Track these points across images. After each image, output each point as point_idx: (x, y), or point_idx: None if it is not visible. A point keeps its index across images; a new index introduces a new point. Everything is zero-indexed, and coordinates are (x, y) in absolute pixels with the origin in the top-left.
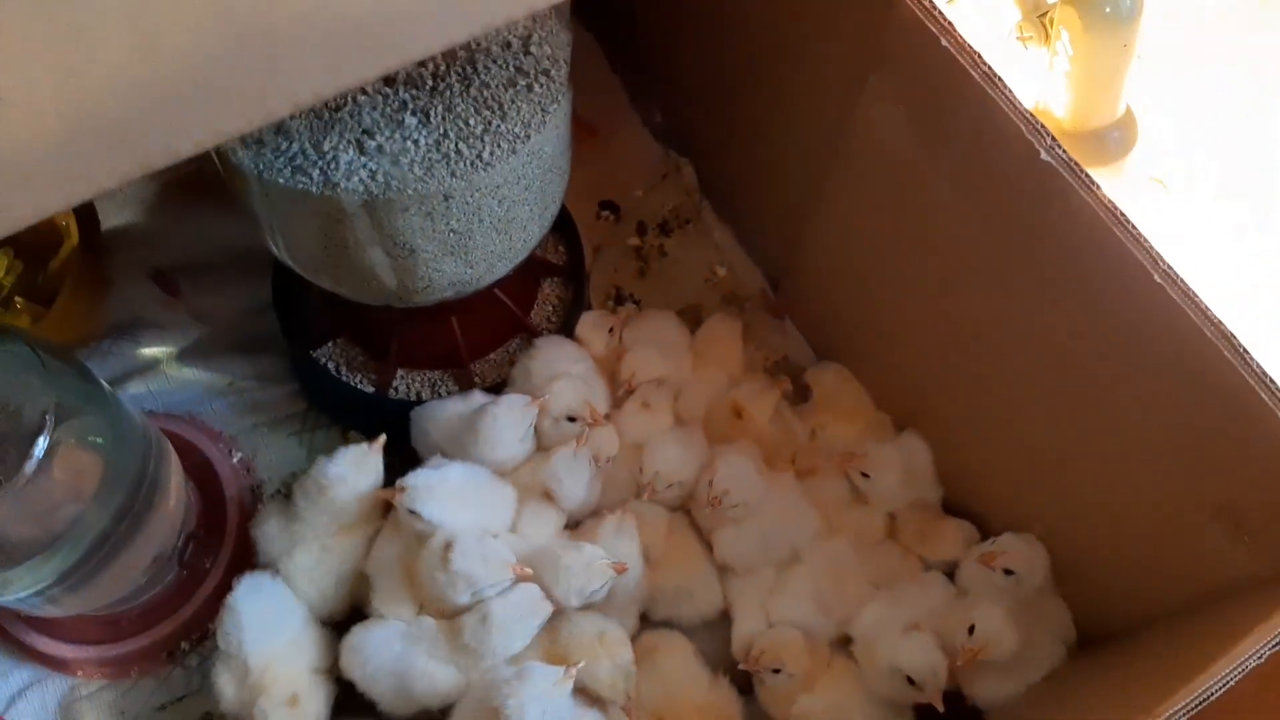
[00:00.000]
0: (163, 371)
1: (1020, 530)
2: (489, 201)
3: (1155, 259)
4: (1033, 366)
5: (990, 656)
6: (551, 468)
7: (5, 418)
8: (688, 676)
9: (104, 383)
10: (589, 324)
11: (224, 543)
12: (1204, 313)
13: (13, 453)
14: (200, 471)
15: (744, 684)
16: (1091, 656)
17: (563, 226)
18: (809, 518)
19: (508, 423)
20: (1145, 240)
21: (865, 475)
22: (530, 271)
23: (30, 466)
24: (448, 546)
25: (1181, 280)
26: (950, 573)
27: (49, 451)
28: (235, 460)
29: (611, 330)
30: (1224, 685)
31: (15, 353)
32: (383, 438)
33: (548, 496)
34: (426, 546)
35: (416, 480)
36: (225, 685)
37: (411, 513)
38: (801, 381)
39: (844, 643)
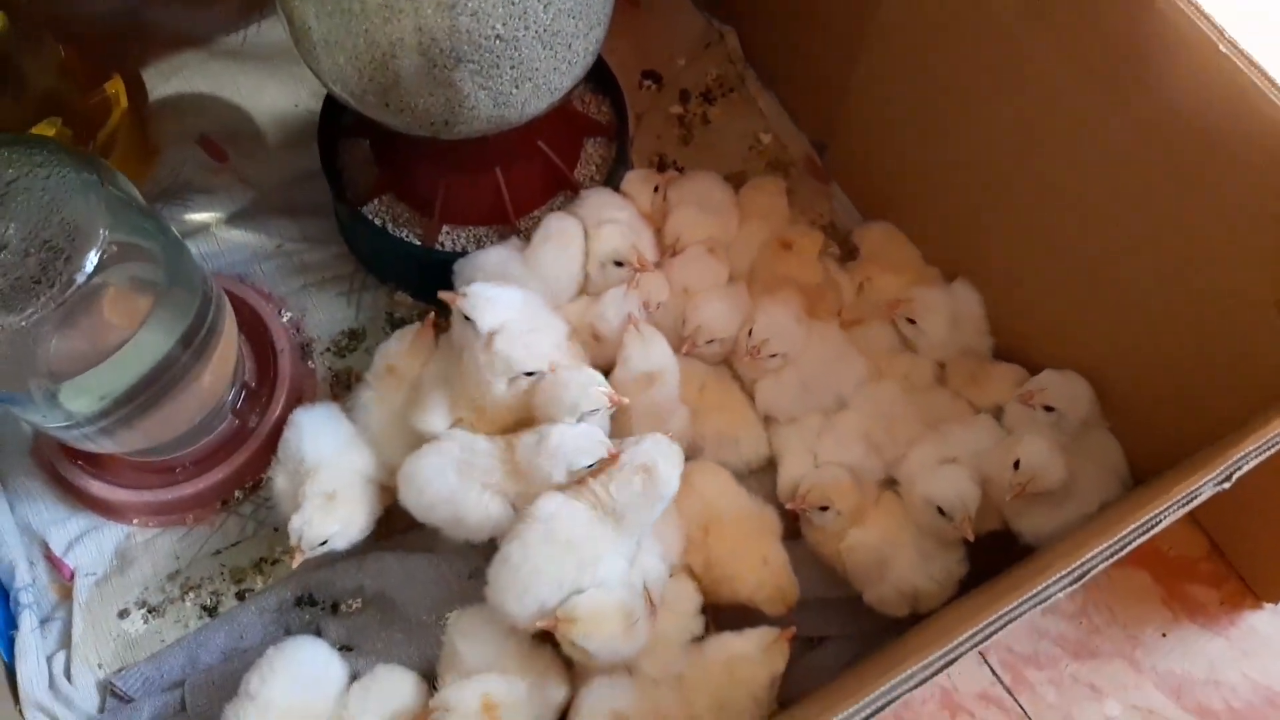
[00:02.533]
0: (213, 235)
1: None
2: (534, 4)
3: (1220, 32)
4: (1089, 186)
5: (1039, 488)
6: (600, 308)
7: (62, 230)
8: (726, 493)
9: (162, 218)
10: (635, 179)
11: (274, 396)
12: (1273, 84)
13: (66, 264)
14: (252, 328)
15: (790, 531)
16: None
17: (606, 86)
18: (855, 364)
19: (559, 234)
20: (1209, 14)
21: (912, 321)
22: (574, 128)
23: (80, 278)
24: (493, 332)
25: (1247, 54)
26: (1001, 418)
27: (102, 267)
28: (285, 319)
29: (657, 188)
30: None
31: (80, 175)
32: (431, 315)
33: (595, 339)
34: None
35: (478, 289)
36: (281, 481)
37: (467, 319)
38: (849, 244)
39: (894, 483)
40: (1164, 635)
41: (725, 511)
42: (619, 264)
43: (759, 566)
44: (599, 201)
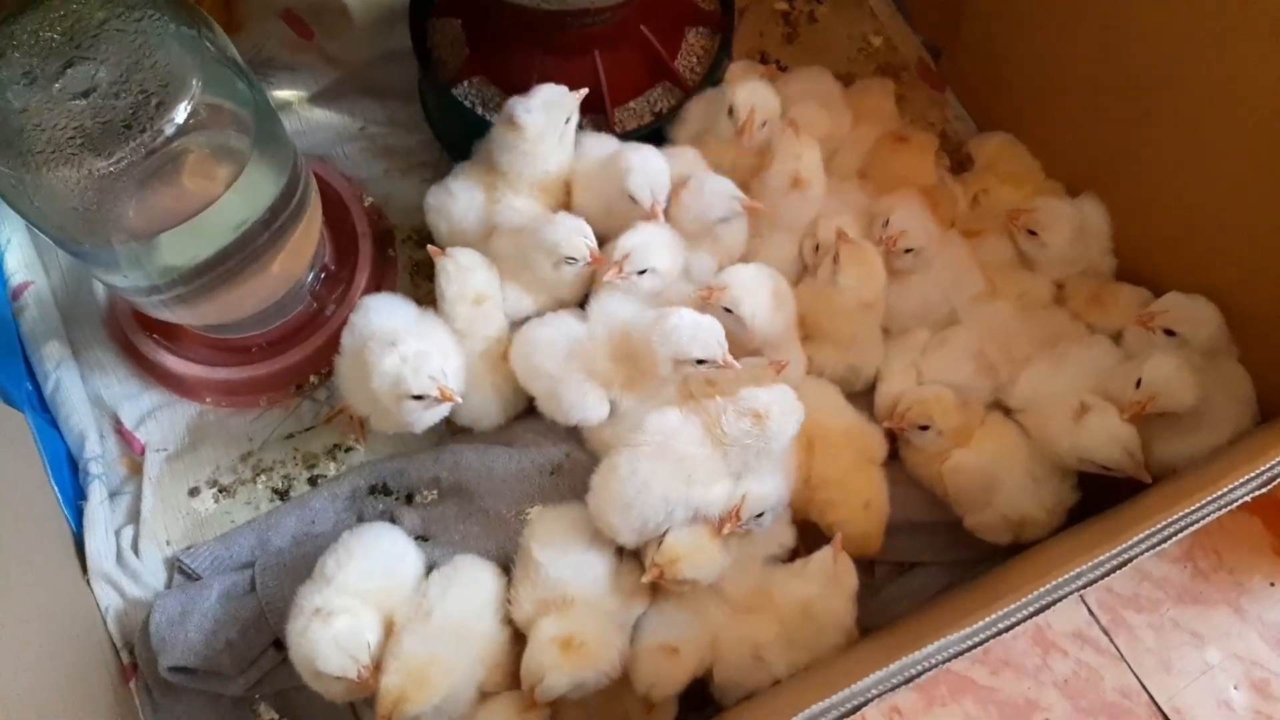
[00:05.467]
0: (295, 112)
1: None
2: None
3: None
4: (1229, 99)
5: (1163, 407)
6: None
7: (155, 76)
8: (833, 406)
9: (261, 87)
10: (739, 69)
11: (354, 281)
12: None
13: (157, 111)
14: (333, 211)
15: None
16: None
17: None
18: (972, 277)
19: None
20: None
21: (1033, 234)
22: (677, 15)
23: (170, 128)
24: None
25: None
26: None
27: (194, 124)
28: (367, 204)
29: (762, 78)
30: None
31: (177, 24)
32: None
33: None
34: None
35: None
36: (345, 365)
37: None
38: (962, 155)
39: (1003, 407)
40: (1272, 585)
41: (832, 429)
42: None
43: (859, 509)
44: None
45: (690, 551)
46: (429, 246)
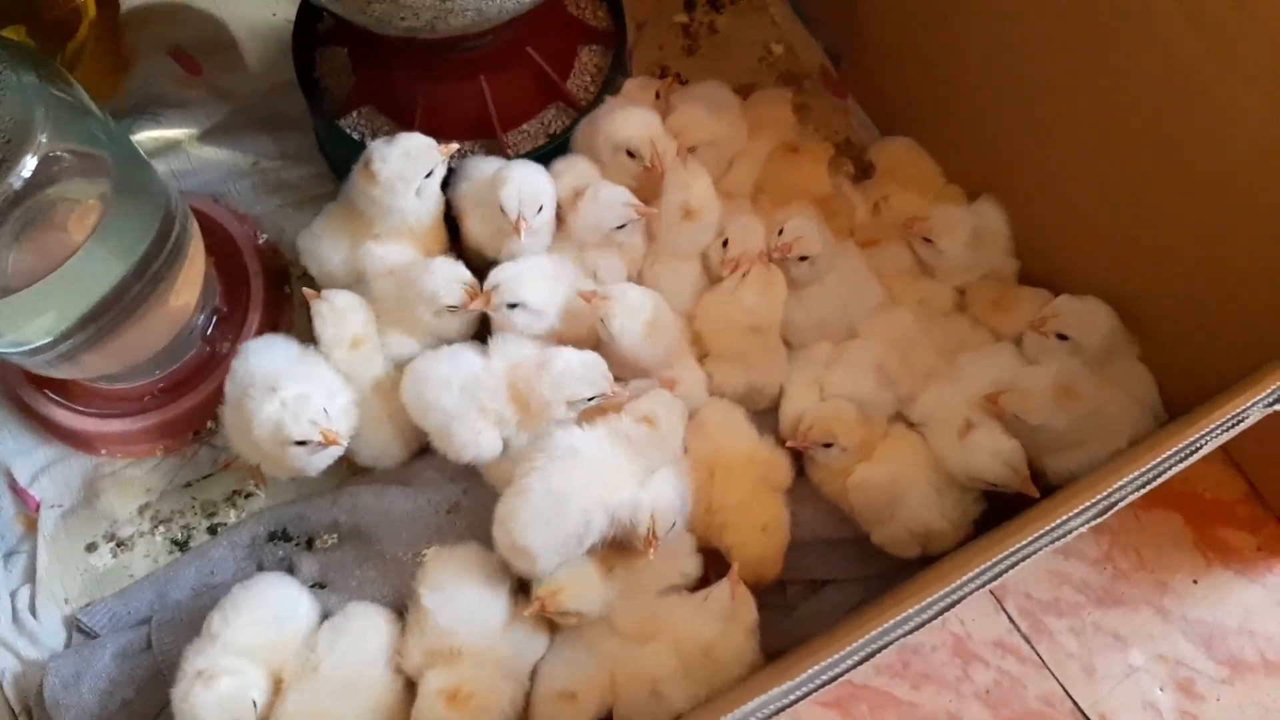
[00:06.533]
0: (185, 151)
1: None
2: None
3: None
4: (1124, 98)
5: (1019, 413)
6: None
7: None
8: (736, 431)
9: (115, 126)
10: (634, 85)
11: (247, 321)
12: None
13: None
14: (223, 251)
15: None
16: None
17: None
18: (870, 289)
19: None
20: None
21: (929, 241)
22: (567, 34)
23: (16, 183)
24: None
25: None
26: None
27: (47, 176)
28: (261, 241)
29: (658, 95)
30: None
31: (17, 74)
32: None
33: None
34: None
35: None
36: (230, 414)
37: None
38: (866, 162)
39: (905, 417)
40: (1195, 582)
41: (733, 456)
42: (631, 154)
43: (756, 532)
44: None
45: (572, 582)
46: (304, 290)
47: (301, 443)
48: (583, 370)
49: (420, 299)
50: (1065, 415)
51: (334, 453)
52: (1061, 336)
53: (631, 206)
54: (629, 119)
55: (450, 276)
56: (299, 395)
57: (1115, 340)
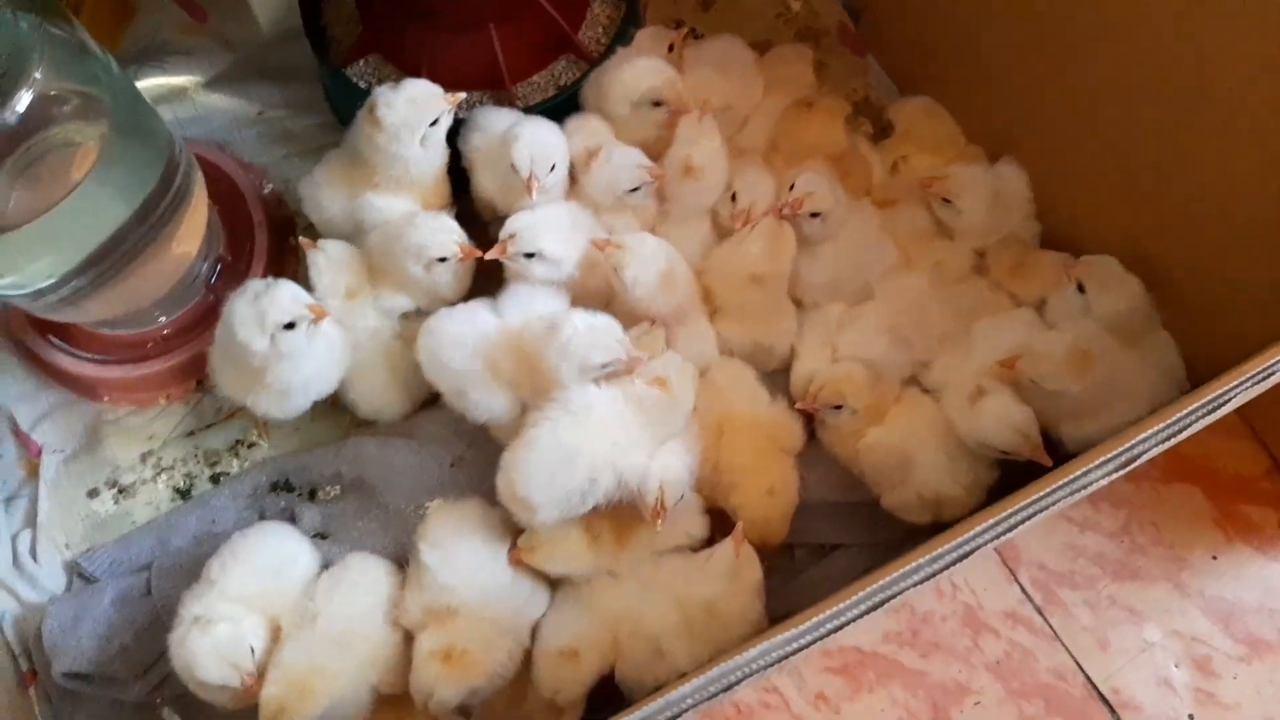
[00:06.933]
0: (190, 99)
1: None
2: None
3: None
4: (1155, 57)
5: (1035, 377)
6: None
7: None
8: (746, 391)
9: (116, 68)
10: (646, 36)
11: (250, 271)
12: None
13: None
14: (227, 200)
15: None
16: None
17: None
18: (884, 249)
19: None
20: None
21: (948, 202)
22: None
23: (10, 118)
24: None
25: None
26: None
27: (43, 116)
28: (266, 191)
29: (671, 47)
30: None
31: (13, 10)
32: None
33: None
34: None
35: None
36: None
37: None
38: (884, 122)
39: (919, 383)
40: (1214, 558)
41: (742, 417)
42: (657, 104)
43: (761, 494)
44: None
45: (551, 542)
46: (300, 239)
47: (290, 325)
48: (593, 336)
49: (407, 252)
50: (1082, 380)
51: (329, 330)
52: (1080, 289)
53: (645, 169)
54: (647, 67)
55: (437, 229)
56: (271, 287)
57: (1139, 307)
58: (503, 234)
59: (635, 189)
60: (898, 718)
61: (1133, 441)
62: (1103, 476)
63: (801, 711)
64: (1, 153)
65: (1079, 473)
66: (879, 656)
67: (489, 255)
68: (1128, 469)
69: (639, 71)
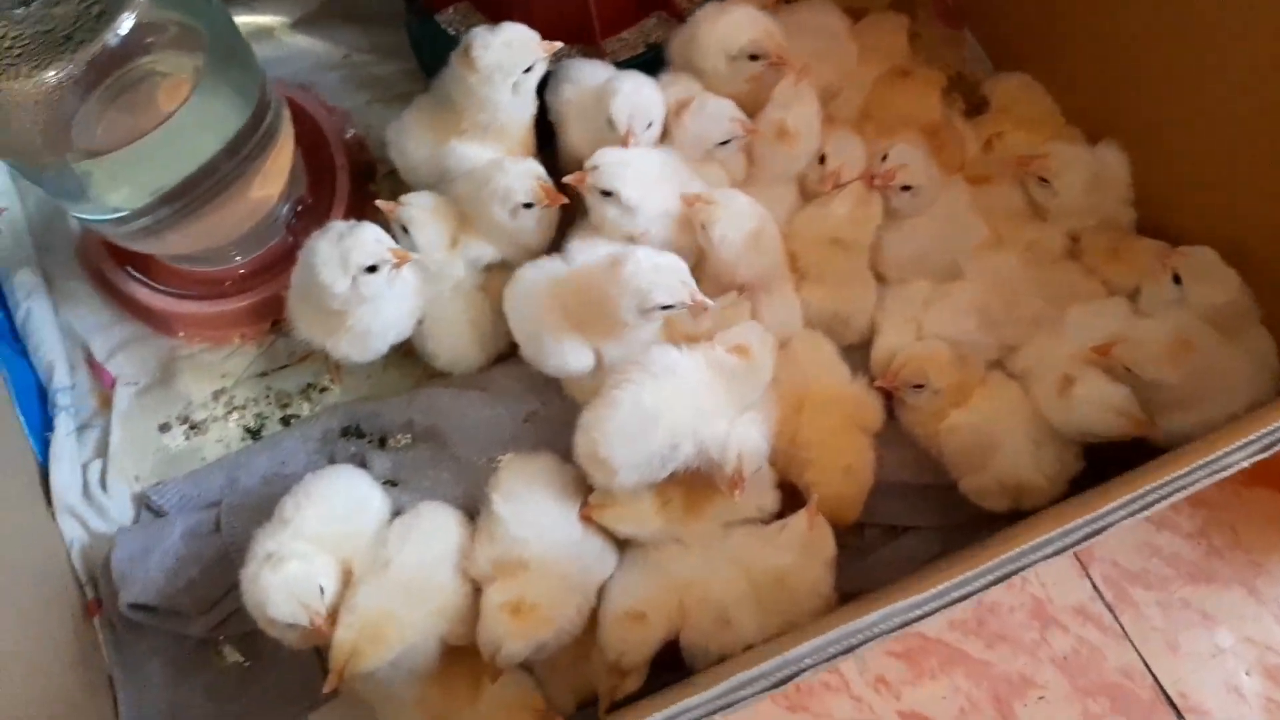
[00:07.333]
0: (277, 39)
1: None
2: None
3: None
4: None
5: (1132, 365)
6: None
7: None
8: (828, 366)
9: (217, 2)
10: None
11: (330, 215)
12: None
13: (98, 22)
14: (311, 141)
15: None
16: None
17: None
18: (974, 227)
19: None
20: None
21: (1045, 181)
22: None
23: (113, 39)
24: None
25: None
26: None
27: (143, 43)
28: (348, 136)
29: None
30: None
31: None
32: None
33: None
34: None
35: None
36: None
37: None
38: (977, 98)
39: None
40: None
41: (823, 392)
42: (754, 57)
43: (838, 472)
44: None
45: (624, 503)
46: (379, 203)
47: (372, 268)
48: (655, 274)
49: (494, 197)
50: (1180, 371)
51: (408, 276)
52: (1176, 279)
53: (738, 122)
54: (747, 17)
55: (523, 172)
56: (354, 229)
57: (1237, 301)
58: (588, 163)
59: (726, 142)
60: (959, 707)
61: (1222, 451)
62: (1199, 479)
63: (861, 693)
64: (98, 76)
65: (1172, 476)
66: (943, 644)
67: (567, 179)
68: (1215, 477)
69: (739, 21)
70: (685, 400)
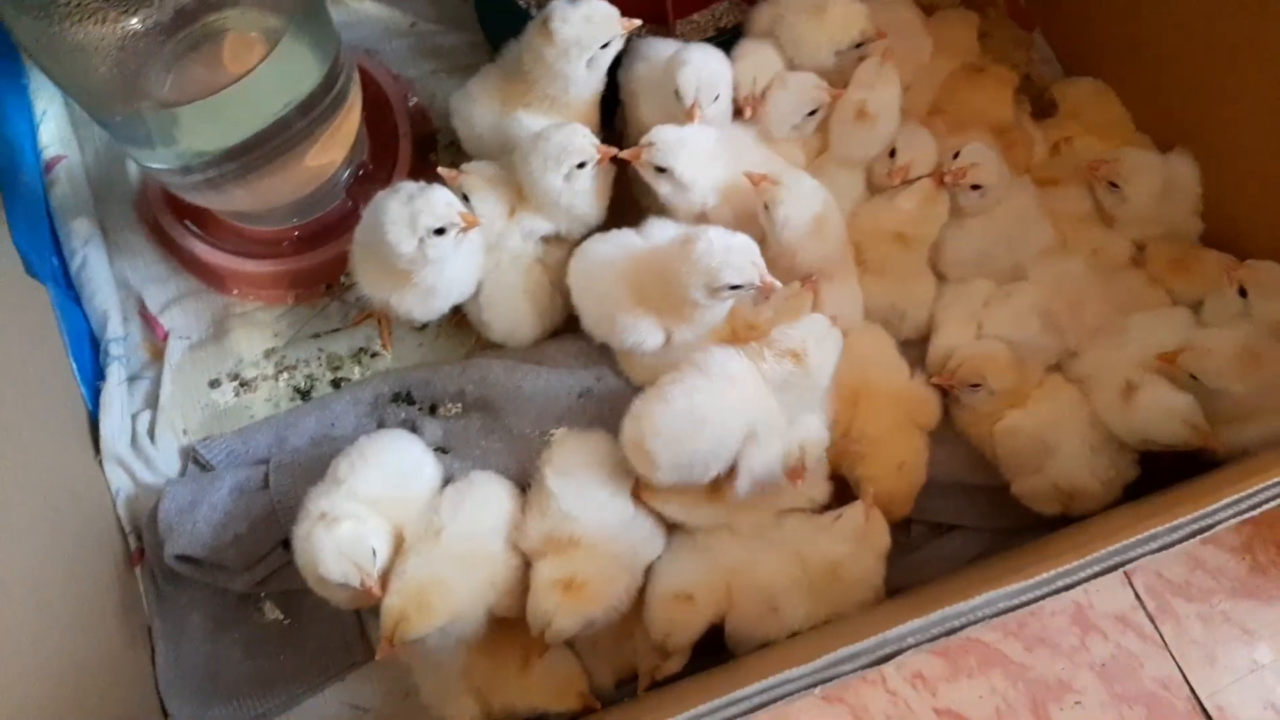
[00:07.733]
0: (345, 4)
1: None
2: None
3: None
4: None
5: (1198, 373)
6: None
7: None
8: (886, 361)
9: None
10: None
11: (391, 181)
12: None
13: None
14: (375, 108)
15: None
16: None
17: None
18: (1040, 229)
19: None
20: None
21: (1115, 186)
22: None
23: None
24: None
25: None
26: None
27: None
28: (411, 104)
29: None
30: None
31: None
32: None
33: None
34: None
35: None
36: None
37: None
38: (1045, 101)
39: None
40: None
41: (880, 387)
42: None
43: (891, 468)
44: None
45: (675, 491)
46: (441, 170)
47: (440, 231)
48: (726, 254)
49: (548, 159)
50: (1247, 381)
51: (475, 239)
52: (1242, 293)
53: (823, 89)
54: (851, 11)
55: (574, 132)
56: (425, 190)
57: None
58: (644, 139)
59: (813, 112)
60: (994, 707)
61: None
62: (1260, 504)
63: (898, 688)
64: (179, 25)
65: (1237, 497)
66: (982, 644)
67: (622, 155)
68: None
69: (850, 16)
70: (738, 413)
